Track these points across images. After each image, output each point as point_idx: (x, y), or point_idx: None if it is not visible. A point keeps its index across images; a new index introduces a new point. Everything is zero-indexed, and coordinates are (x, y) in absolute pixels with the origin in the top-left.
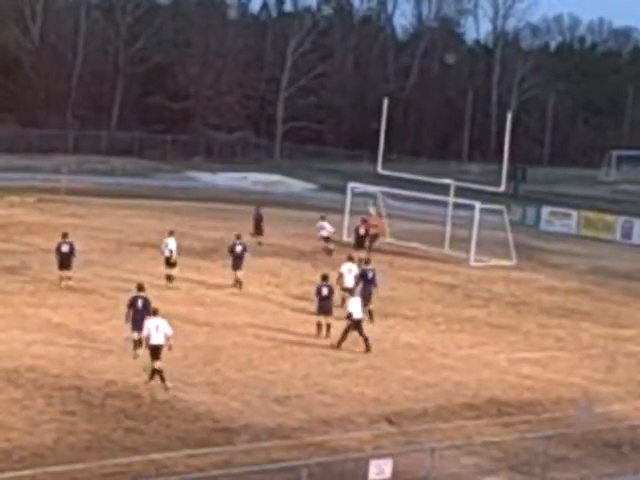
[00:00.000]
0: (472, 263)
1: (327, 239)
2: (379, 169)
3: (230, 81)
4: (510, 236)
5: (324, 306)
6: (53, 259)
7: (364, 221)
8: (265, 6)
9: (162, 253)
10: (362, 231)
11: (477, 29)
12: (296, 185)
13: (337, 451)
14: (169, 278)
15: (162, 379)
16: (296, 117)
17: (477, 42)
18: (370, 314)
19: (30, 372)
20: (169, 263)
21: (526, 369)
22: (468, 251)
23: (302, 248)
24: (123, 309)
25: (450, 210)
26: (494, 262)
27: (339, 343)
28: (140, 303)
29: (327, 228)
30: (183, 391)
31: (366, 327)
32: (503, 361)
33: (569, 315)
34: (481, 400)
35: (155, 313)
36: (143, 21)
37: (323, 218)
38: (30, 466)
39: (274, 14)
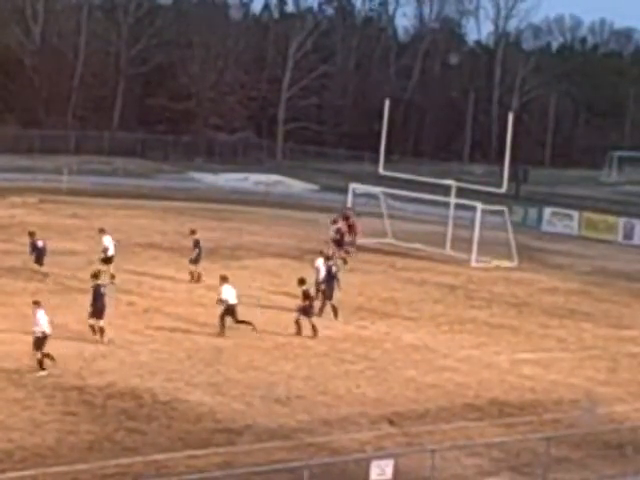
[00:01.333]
0: (473, 264)
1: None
2: (380, 170)
3: (232, 82)
4: (511, 237)
5: (310, 307)
6: (55, 260)
7: (337, 220)
8: (267, 7)
9: (105, 252)
10: (344, 229)
11: (478, 30)
12: (297, 186)
13: (338, 452)
14: (113, 277)
15: (51, 357)
16: (297, 118)
17: (478, 43)
18: (334, 309)
19: (31, 372)
20: (110, 261)
21: (527, 370)
22: (469, 252)
23: (303, 249)
24: (123, 309)
25: (452, 211)
26: (495, 263)
27: (221, 331)
28: (103, 290)
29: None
30: (184, 392)
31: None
32: (504, 362)
33: (571, 316)
34: (482, 401)
35: (38, 305)
36: (145, 22)
37: (335, 221)
38: (31, 466)
39: (276, 15)
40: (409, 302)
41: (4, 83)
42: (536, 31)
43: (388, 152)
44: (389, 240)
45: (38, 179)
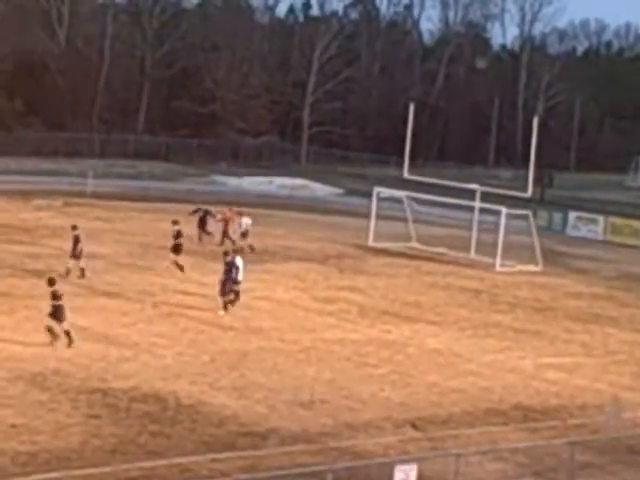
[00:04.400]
0: (498, 268)
1: (245, 234)
2: (405, 174)
3: (256, 85)
4: (536, 241)
5: (61, 308)
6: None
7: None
8: (292, 10)
9: None
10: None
11: (504, 34)
12: (322, 189)
13: (362, 456)
14: None
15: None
16: (322, 121)
17: (504, 47)
18: (225, 305)
19: (56, 375)
20: None
21: (552, 374)
22: (494, 256)
23: (328, 252)
24: (147, 312)
25: (476, 215)
26: (520, 267)
27: None
28: None
29: (247, 223)
30: (208, 395)
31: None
32: (529, 366)
33: (595, 320)
34: (507, 406)
35: None
36: (170, 25)
37: (241, 214)
38: (56, 469)
39: (301, 18)
40: (433, 306)
41: (29, 86)
42: (561, 35)
43: (413, 156)
44: (413, 244)
45: (63, 182)
